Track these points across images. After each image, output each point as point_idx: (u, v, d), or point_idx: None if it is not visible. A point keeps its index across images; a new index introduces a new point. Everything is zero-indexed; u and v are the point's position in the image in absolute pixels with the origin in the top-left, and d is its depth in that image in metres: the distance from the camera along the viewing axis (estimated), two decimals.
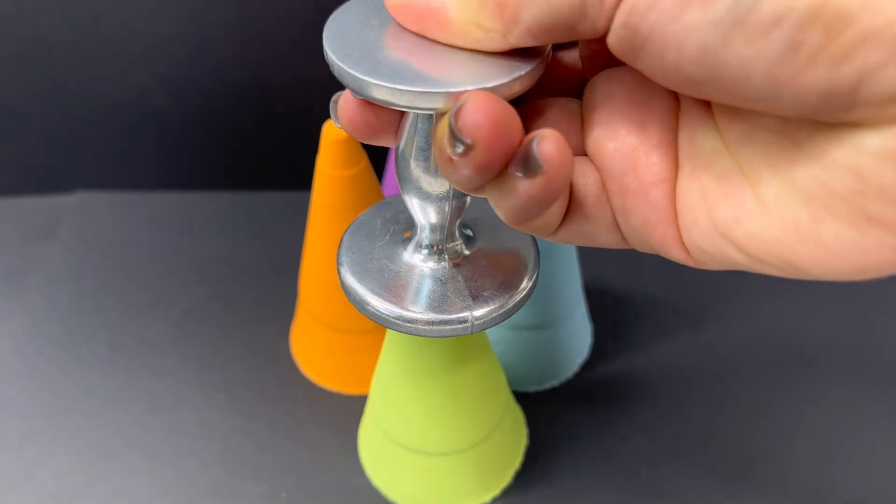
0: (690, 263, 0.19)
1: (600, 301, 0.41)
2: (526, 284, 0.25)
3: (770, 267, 0.17)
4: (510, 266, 0.25)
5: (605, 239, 0.20)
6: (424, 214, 0.24)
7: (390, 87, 0.18)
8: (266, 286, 0.42)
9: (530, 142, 0.17)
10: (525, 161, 0.17)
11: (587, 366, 0.38)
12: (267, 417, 0.34)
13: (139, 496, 0.32)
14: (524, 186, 0.17)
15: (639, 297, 0.41)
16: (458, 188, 0.19)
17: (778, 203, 0.16)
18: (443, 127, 0.18)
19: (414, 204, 0.24)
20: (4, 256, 0.43)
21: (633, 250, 0.21)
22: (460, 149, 0.17)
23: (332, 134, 0.30)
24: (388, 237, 0.26)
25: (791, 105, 0.15)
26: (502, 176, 0.18)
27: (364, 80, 0.18)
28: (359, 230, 0.27)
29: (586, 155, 0.20)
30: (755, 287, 0.42)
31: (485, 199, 0.20)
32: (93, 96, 0.43)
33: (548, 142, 0.17)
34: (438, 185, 0.23)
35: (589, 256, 0.42)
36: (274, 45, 0.41)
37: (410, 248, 0.26)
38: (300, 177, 0.46)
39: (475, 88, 0.18)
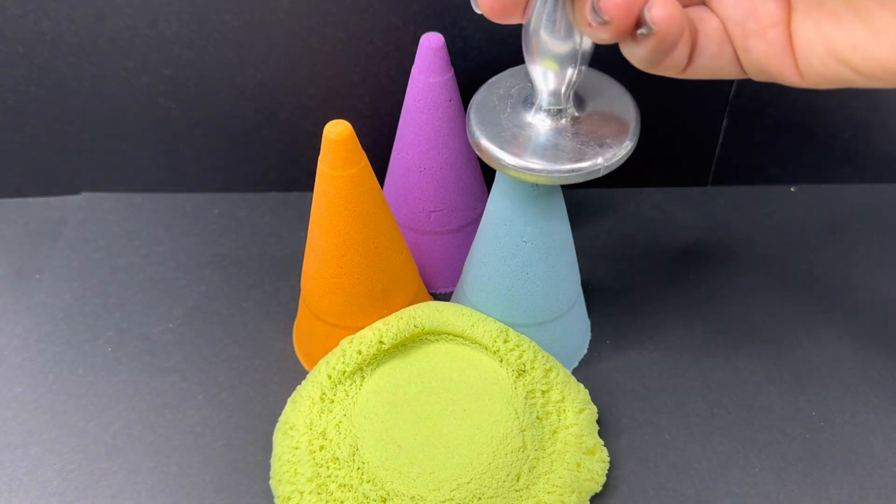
0: (803, 85, 0.23)
1: (599, 298, 0.41)
2: (635, 130, 0.30)
3: (880, 81, 0.21)
4: (619, 120, 0.30)
5: (728, 72, 0.24)
6: (546, 82, 0.29)
7: None
8: (269, 285, 0.42)
9: (644, 8, 0.21)
10: (641, 25, 0.22)
11: (585, 362, 0.38)
12: (270, 415, 0.35)
13: (143, 494, 0.33)
14: (644, 42, 0.22)
15: (637, 294, 0.41)
16: (593, 41, 0.24)
17: (888, 30, 0.20)
18: (582, 2, 0.22)
19: (537, 72, 0.28)
20: (10, 257, 0.44)
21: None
22: (599, 20, 0.22)
23: (332, 135, 0.30)
24: (509, 109, 0.31)
25: None
26: (630, 34, 0.22)
27: None
28: (481, 109, 0.31)
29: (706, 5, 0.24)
30: (754, 286, 0.42)
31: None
32: (98, 98, 0.43)
33: (657, 7, 0.21)
34: (565, 48, 0.27)
35: (587, 254, 0.43)
36: (276, 47, 0.41)
37: (532, 113, 0.30)
38: (302, 177, 0.47)
39: None
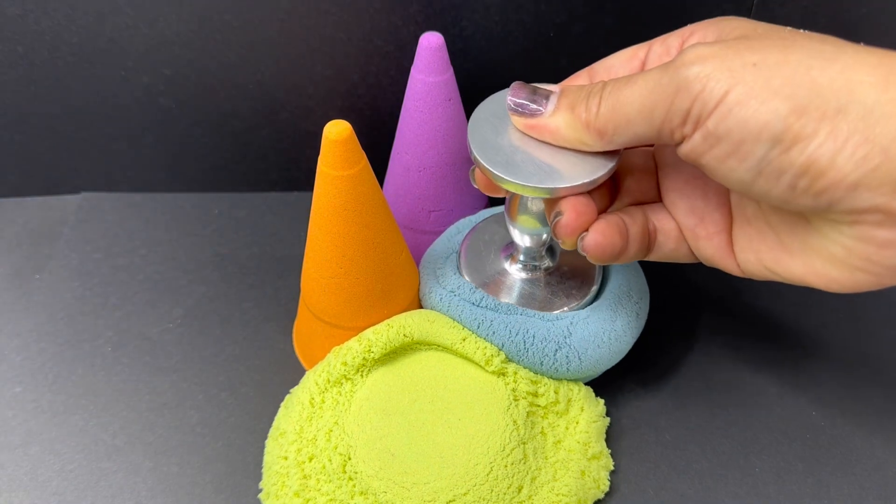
0: (745, 276, 0.28)
1: None
2: (598, 275, 0.35)
3: (803, 284, 0.26)
4: (585, 270, 0.36)
5: (684, 260, 0.30)
6: (522, 240, 0.34)
7: (512, 181, 0.28)
8: (268, 285, 0.42)
9: (580, 238, 0.28)
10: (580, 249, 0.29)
11: None
12: (270, 415, 0.35)
13: (143, 494, 0.33)
14: (586, 256, 0.29)
15: None
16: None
17: (800, 255, 0.26)
18: (549, 211, 0.29)
19: (516, 234, 0.33)
20: (10, 256, 0.44)
21: None
22: (558, 240, 0.29)
23: (332, 135, 0.30)
24: (492, 255, 0.36)
25: (796, 209, 0.24)
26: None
27: (495, 174, 0.28)
28: (469, 254, 0.36)
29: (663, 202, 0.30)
30: (753, 285, 0.42)
31: None
32: (98, 97, 0.43)
33: (588, 237, 0.28)
34: (540, 218, 0.32)
35: None
36: (277, 47, 0.41)
37: (509, 263, 0.36)
38: (302, 177, 0.47)
39: (572, 186, 0.27)
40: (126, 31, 0.40)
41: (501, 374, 0.33)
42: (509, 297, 0.34)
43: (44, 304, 0.41)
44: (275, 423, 0.34)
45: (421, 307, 0.36)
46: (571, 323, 0.33)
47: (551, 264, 0.35)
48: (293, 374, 0.37)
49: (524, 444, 0.31)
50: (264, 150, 0.45)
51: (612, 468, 0.33)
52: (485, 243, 0.37)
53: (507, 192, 0.30)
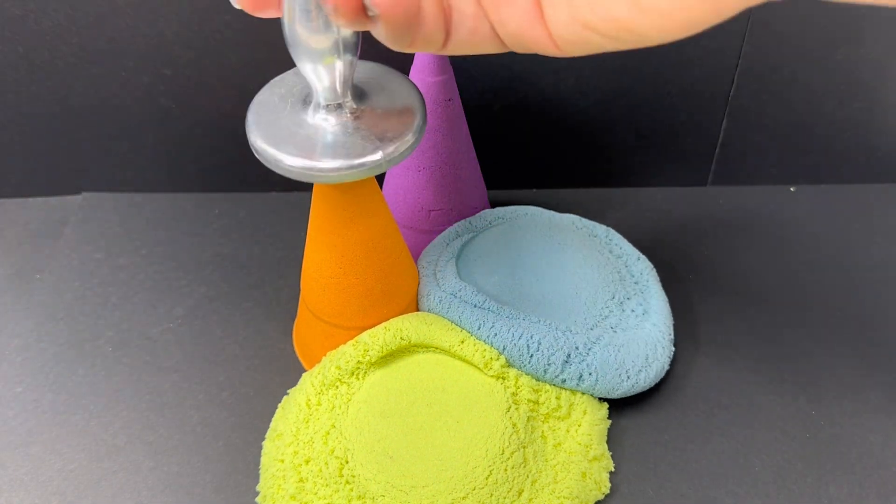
0: (560, 54, 0.23)
1: None
2: (421, 123, 0.29)
3: (621, 42, 0.21)
4: (402, 113, 0.29)
5: (488, 46, 0.24)
6: (318, 78, 0.27)
7: None
8: (269, 285, 0.42)
9: None
10: (368, 7, 0.21)
11: None
12: (270, 415, 0.35)
13: (143, 494, 0.33)
14: (377, 23, 0.22)
15: None
16: (343, 28, 0.23)
17: None
18: None
19: (307, 69, 0.27)
20: (10, 257, 0.44)
21: None
22: (328, 7, 0.21)
23: None
24: (288, 108, 0.30)
25: None
26: (365, 17, 0.22)
27: None
28: (261, 108, 0.30)
29: None
30: (753, 285, 0.42)
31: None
32: (98, 98, 0.43)
33: None
34: (325, 40, 0.26)
35: None
36: (277, 47, 0.41)
37: (311, 111, 0.29)
38: None
39: None
40: (126, 31, 0.40)
41: (501, 377, 0.33)
42: (311, 151, 0.28)
43: (44, 304, 0.41)
44: (272, 425, 0.34)
45: (419, 309, 0.36)
46: (592, 340, 0.33)
47: (358, 108, 0.29)
48: (293, 374, 0.37)
49: (524, 447, 0.31)
50: None
51: (613, 469, 0.33)
52: (280, 97, 0.31)
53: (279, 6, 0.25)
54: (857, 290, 0.41)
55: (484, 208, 0.42)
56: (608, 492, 0.32)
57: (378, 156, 0.28)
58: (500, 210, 0.41)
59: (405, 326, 0.33)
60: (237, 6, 0.24)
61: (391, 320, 0.34)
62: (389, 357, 0.34)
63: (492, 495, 0.30)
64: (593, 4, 0.21)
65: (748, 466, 0.34)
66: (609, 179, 0.48)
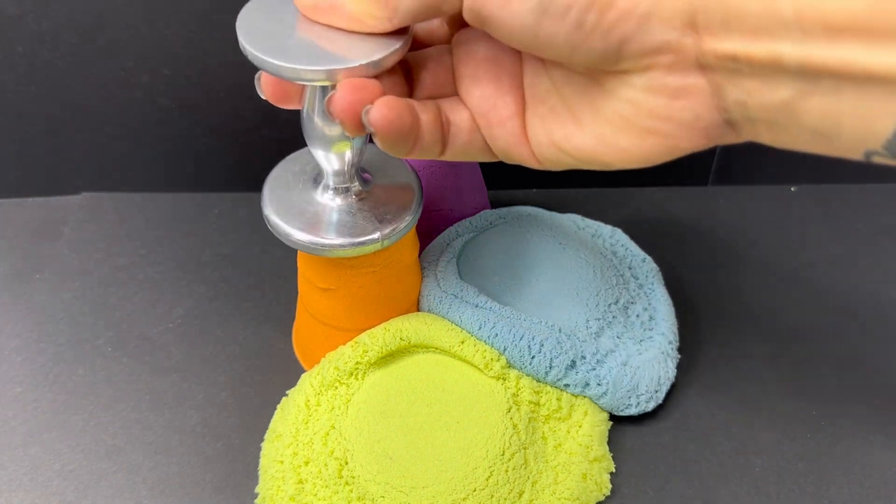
0: (540, 167, 0.27)
1: None
2: (417, 206, 0.32)
3: (590, 165, 0.25)
4: (403, 195, 0.33)
5: (480, 156, 0.28)
6: (329, 163, 0.30)
7: (284, 66, 0.25)
8: (268, 285, 0.42)
9: (364, 112, 0.24)
10: (365, 126, 0.24)
11: None
12: (270, 415, 0.35)
13: (143, 494, 0.33)
14: (376, 137, 0.25)
15: None
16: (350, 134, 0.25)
17: (590, 125, 0.25)
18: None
19: (320, 155, 0.30)
20: (10, 257, 0.44)
21: None
22: (336, 121, 0.24)
23: None
24: (300, 186, 0.33)
25: (585, 60, 0.23)
26: (362, 130, 0.25)
27: (263, 60, 0.25)
28: (276, 183, 0.33)
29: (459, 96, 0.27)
30: (753, 286, 0.42)
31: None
32: (97, 98, 0.43)
33: (373, 111, 0.24)
34: (338, 132, 0.29)
35: None
36: None
37: (320, 190, 0.32)
38: None
39: (352, 67, 0.24)
40: (126, 31, 0.40)
41: (502, 378, 0.33)
42: (317, 228, 0.31)
43: (44, 304, 0.41)
44: (271, 426, 0.34)
45: (419, 310, 0.36)
46: (602, 351, 0.33)
47: (362, 188, 0.32)
48: (293, 374, 0.37)
49: (525, 448, 0.31)
50: (264, 150, 0.45)
51: (613, 470, 0.33)
52: (294, 175, 0.34)
53: (296, 94, 0.28)
54: (857, 289, 0.41)
55: (484, 208, 0.42)
56: (609, 493, 0.32)
57: (376, 235, 0.31)
58: (500, 210, 0.41)
59: (405, 327, 0.33)
60: (262, 96, 0.28)
61: (391, 321, 0.34)
62: (389, 357, 0.34)
63: (492, 496, 0.30)
64: (567, 135, 0.25)
65: (748, 467, 0.34)
66: (609, 179, 0.48)
